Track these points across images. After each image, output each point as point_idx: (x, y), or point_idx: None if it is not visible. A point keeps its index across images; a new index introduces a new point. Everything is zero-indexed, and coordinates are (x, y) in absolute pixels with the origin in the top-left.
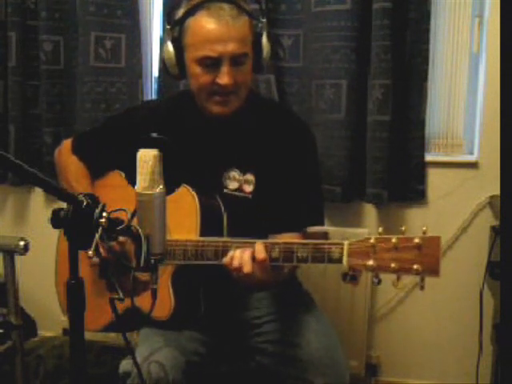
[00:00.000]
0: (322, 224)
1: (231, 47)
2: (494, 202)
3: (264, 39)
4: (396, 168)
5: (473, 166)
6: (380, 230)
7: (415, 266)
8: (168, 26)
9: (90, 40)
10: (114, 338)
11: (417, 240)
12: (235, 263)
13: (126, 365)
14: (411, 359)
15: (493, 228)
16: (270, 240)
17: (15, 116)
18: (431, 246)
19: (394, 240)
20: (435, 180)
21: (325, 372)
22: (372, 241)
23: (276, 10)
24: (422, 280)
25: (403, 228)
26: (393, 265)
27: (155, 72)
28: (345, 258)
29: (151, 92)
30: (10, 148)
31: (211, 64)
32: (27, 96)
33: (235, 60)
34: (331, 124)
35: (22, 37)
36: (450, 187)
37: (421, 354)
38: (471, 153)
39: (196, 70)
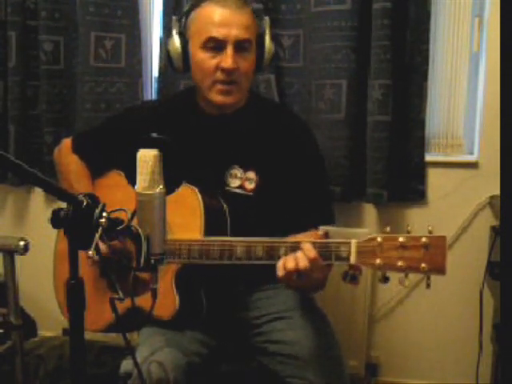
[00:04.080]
0: (332, 223)
1: (235, 31)
2: (494, 202)
3: (267, 37)
4: (396, 168)
5: (473, 165)
6: (388, 229)
7: (423, 265)
8: (174, 17)
9: (90, 40)
10: (114, 337)
11: (424, 239)
12: (290, 265)
13: (127, 365)
14: (411, 359)
15: (493, 228)
16: (276, 238)
17: (15, 116)
18: (438, 245)
19: (401, 239)
20: (435, 180)
21: (324, 371)
22: (379, 239)
23: (276, 10)
24: (429, 278)
25: (409, 227)
26: (400, 263)
27: (155, 72)
28: (352, 257)
29: (151, 92)
30: (9, 148)
31: (216, 47)
32: (27, 96)
33: (239, 45)
34: (331, 124)
35: (22, 37)
36: (450, 187)
37: (421, 354)
38: (471, 153)
39: (200, 55)
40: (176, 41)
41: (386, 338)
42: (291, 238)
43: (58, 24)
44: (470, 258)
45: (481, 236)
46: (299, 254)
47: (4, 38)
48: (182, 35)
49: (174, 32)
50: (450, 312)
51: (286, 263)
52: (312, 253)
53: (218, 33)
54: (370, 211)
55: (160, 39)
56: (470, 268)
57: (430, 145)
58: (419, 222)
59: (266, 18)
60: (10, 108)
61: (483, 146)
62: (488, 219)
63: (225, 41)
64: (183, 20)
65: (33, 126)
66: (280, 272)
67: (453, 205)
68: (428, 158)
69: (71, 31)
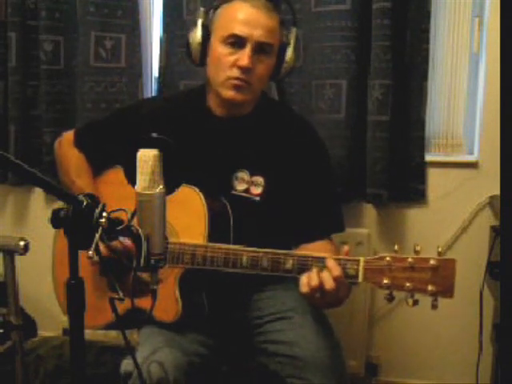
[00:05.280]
0: (343, 230)
1: (258, 32)
2: (494, 202)
3: (290, 48)
4: (396, 168)
5: (473, 165)
6: (396, 247)
7: (430, 287)
8: (202, 9)
9: (90, 40)
10: (114, 337)
11: (432, 261)
12: (314, 282)
13: (127, 365)
14: (411, 359)
15: (493, 228)
16: (282, 251)
17: (15, 116)
18: (447, 268)
19: (409, 260)
20: (435, 180)
21: (324, 372)
22: (388, 259)
23: None
24: (436, 299)
25: (418, 248)
26: (407, 284)
27: (155, 72)
28: (360, 275)
29: (151, 92)
30: (9, 148)
31: (236, 44)
32: (27, 96)
33: (259, 47)
34: (331, 124)
35: (21, 37)
36: (450, 187)
37: (421, 354)
38: (471, 153)
39: (220, 50)
40: (198, 32)
41: (385, 337)
42: (302, 251)
43: (58, 24)
44: (469, 257)
45: (481, 236)
46: (324, 272)
47: (4, 38)
48: (206, 27)
49: (199, 23)
50: (450, 312)
51: (311, 280)
52: (337, 270)
53: (240, 30)
54: (369, 211)
55: (160, 39)
56: (470, 268)
57: (430, 145)
58: (419, 221)
59: (294, 30)
60: (10, 108)
61: (483, 146)
62: (488, 219)
63: (245, 39)
64: (210, 13)
65: (33, 126)
66: (304, 288)
67: (453, 205)
68: (428, 157)
69: (71, 31)
